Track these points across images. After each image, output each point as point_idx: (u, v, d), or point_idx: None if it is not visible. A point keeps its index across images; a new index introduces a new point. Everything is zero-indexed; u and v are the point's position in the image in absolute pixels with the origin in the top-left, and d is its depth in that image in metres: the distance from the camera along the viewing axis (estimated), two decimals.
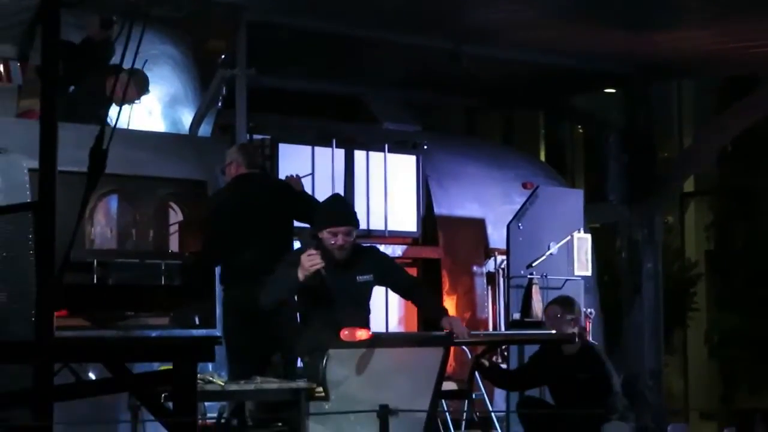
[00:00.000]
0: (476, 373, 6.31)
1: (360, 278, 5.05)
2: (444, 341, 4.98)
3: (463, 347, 7.10)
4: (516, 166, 8.89)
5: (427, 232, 8.04)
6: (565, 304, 6.13)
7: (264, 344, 5.68)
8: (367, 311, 5.14)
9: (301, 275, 4.78)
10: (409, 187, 7.95)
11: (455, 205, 8.27)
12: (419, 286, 5.45)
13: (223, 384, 4.85)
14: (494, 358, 7.29)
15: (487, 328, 7.96)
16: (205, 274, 6.17)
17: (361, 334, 4.65)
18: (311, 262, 4.74)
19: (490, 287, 8.21)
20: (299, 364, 5.25)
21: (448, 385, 6.80)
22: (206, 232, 6.13)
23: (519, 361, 7.30)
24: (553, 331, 6.03)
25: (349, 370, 4.74)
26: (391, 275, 5.22)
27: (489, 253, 8.26)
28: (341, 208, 5.16)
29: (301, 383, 4.89)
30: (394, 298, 7.19)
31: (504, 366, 7.36)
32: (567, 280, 7.94)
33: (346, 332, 4.65)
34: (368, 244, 6.16)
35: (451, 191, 8.31)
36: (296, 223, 6.19)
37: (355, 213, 5.22)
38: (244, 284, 5.71)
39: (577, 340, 5.98)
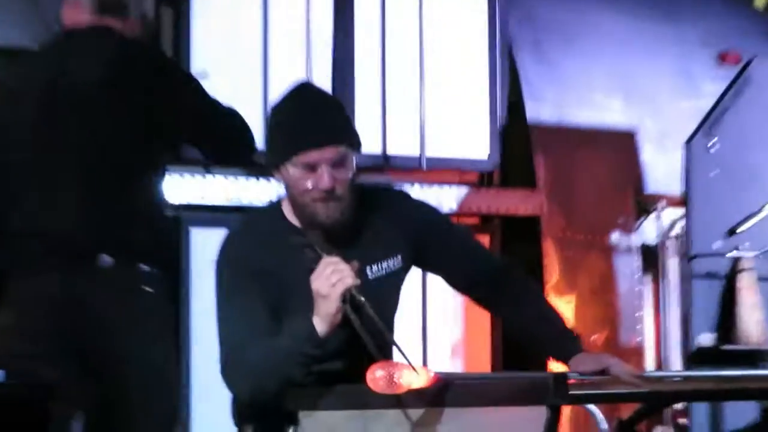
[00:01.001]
0: None
1: (376, 268, 4.98)
2: (549, 394, 4.73)
3: (590, 406, 6.63)
4: (704, 19, 9.02)
5: (510, 161, 8.03)
6: None
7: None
8: (391, 330, 4.94)
9: (322, 325, 4.71)
10: (473, 65, 8.00)
11: (573, 102, 8.32)
12: (513, 275, 5.22)
13: None
14: (657, 431, 7.71)
15: (641, 366, 8.11)
16: None
17: (411, 379, 4.53)
18: (336, 276, 4.70)
19: (649, 278, 8.31)
20: None
21: None
22: None
23: None
24: None
25: None
26: (448, 249, 5.12)
27: (645, 204, 8.31)
28: (317, 111, 5.01)
29: None
30: (441, 290, 7.25)
31: None
32: None
33: (380, 372, 4.56)
34: (386, 184, 6.57)
35: (563, 72, 8.38)
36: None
37: (348, 118, 5.07)
38: (30, 268, 5.61)
39: None
